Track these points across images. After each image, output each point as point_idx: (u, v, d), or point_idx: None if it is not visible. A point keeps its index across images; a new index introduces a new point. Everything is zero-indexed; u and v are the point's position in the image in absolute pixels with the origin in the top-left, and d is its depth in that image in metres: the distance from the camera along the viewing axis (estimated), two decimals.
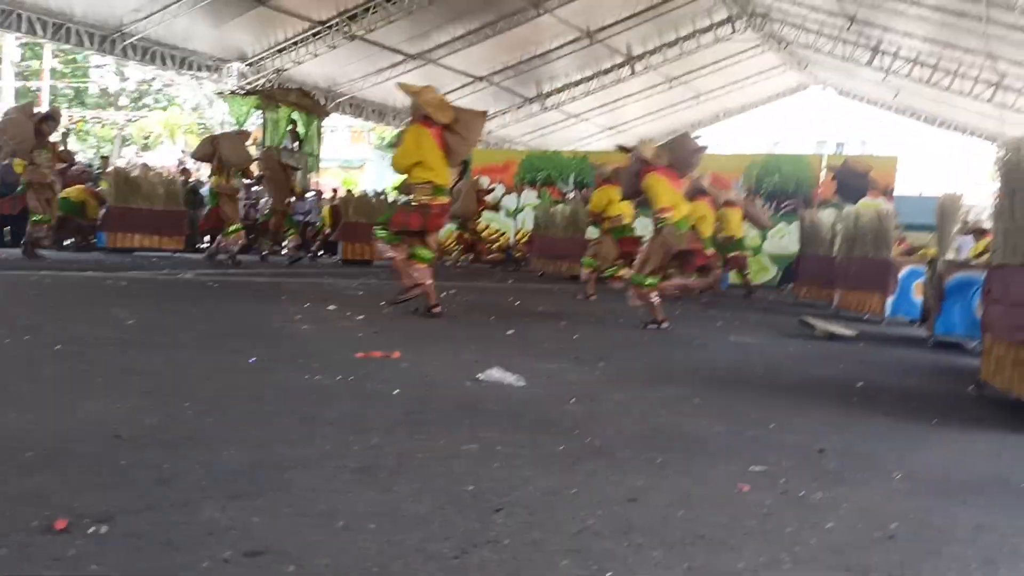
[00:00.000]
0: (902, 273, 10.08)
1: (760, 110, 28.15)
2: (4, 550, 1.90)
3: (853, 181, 16.12)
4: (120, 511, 2.19)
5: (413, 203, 7.07)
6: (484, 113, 7.71)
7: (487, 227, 18.48)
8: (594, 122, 25.28)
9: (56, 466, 2.53)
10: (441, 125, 7.00)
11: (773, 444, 3.49)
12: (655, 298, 7.69)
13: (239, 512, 2.25)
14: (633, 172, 8.00)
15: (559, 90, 22.90)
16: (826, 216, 13.24)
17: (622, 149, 9.37)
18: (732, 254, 12.95)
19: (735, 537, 2.35)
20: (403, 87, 7.53)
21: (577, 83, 22.60)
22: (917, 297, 9.88)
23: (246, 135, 13.56)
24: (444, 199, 7.18)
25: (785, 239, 16.06)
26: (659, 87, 23.26)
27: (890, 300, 10.08)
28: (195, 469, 2.58)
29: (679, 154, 8.15)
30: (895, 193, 16.11)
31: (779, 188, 16.46)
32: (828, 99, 27.93)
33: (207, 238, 14.64)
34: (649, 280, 7.63)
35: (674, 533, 2.34)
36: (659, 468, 3.00)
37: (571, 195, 18.03)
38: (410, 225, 7.11)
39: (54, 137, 11.48)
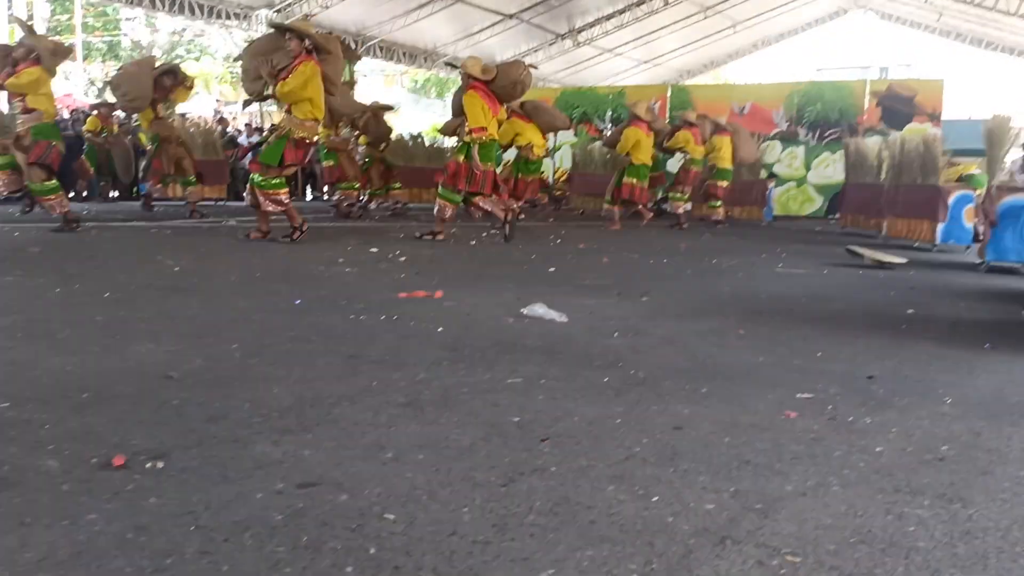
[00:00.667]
0: (952, 199, 9.84)
1: (799, 37, 27.28)
2: (67, 486, 1.96)
3: (898, 106, 15.66)
4: (174, 447, 2.24)
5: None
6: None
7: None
8: (629, 56, 24.75)
9: (110, 406, 2.59)
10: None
11: (820, 372, 3.46)
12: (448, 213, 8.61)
13: (290, 446, 2.29)
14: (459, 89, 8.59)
15: (591, 25, 22.40)
16: (872, 143, 12.92)
17: (451, 66, 9.47)
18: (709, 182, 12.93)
19: (782, 462, 2.34)
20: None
21: (609, 16, 22.07)
22: (968, 223, 9.66)
23: (352, 84, 13.22)
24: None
25: (830, 168, 15.72)
26: (694, 17, 22.61)
27: (941, 226, 9.87)
28: (244, 407, 2.63)
29: (502, 81, 8.43)
30: (943, 117, 15.63)
31: (822, 117, 16.04)
32: (870, 23, 26.99)
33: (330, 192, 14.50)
34: (452, 196, 8.56)
35: (720, 459, 2.34)
36: (703, 398, 2.99)
37: (608, 131, 17.76)
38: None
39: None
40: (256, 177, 7.66)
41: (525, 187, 11.26)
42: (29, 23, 10.82)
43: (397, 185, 13.23)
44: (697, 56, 26.28)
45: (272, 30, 8.59)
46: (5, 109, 9.67)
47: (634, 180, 11.81)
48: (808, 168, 15.98)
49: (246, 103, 9.50)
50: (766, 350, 3.87)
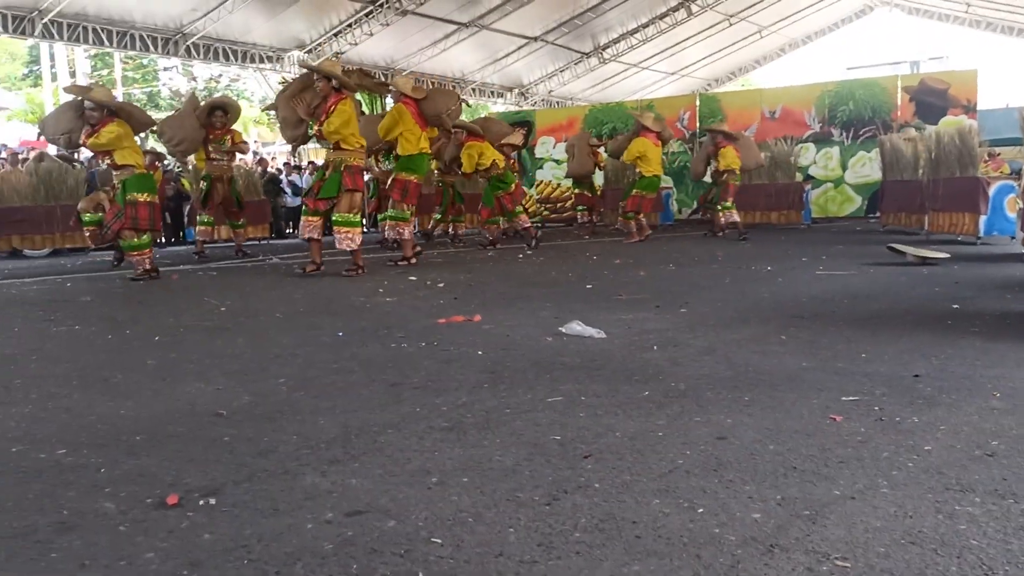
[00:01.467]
0: (992, 190, 9.66)
1: (827, 38, 27.07)
2: (123, 527, 2.02)
3: (932, 100, 15.42)
4: (226, 483, 2.30)
5: None
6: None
7: (558, 186, 18.38)
8: (655, 69, 24.79)
9: (163, 446, 2.66)
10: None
11: (865, 374, 3.42)
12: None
13: (337, 476, 2.34)
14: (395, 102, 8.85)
15: (616, 41, 22.50)
16: (907, 139, 12.74)
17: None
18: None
19: (829, 466, 2.33)
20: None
21: (634, 31, 22.16)
22: (1011, 213, 9.47)
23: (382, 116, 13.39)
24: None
25: (866, 167, 15.51)
26: (719, 25, 22.60)
27: (983, 219, 9.69)
28: (292, 440, 2.69)
29: (429, 109, 8.84)
30: (978, 108, 15.36)
31: (855, 115, 15.85)
32: (897, 19, 26.69)
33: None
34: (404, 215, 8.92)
35: (765, 467, 2.33)
36: (746, 406, 2.98)
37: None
38: None
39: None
40: (336, 217, 7.92)
41: (511, 201, 11.33)
42: (80, 85, 11.13)
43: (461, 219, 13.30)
44: (724, 64, 26.24)
45: (302, 71, 8.82)
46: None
47: (642, 192, 11.73)
48: (844, 168, 15.79)
49: (294, 149, 9.82)
50: (809, 355, 3.84)
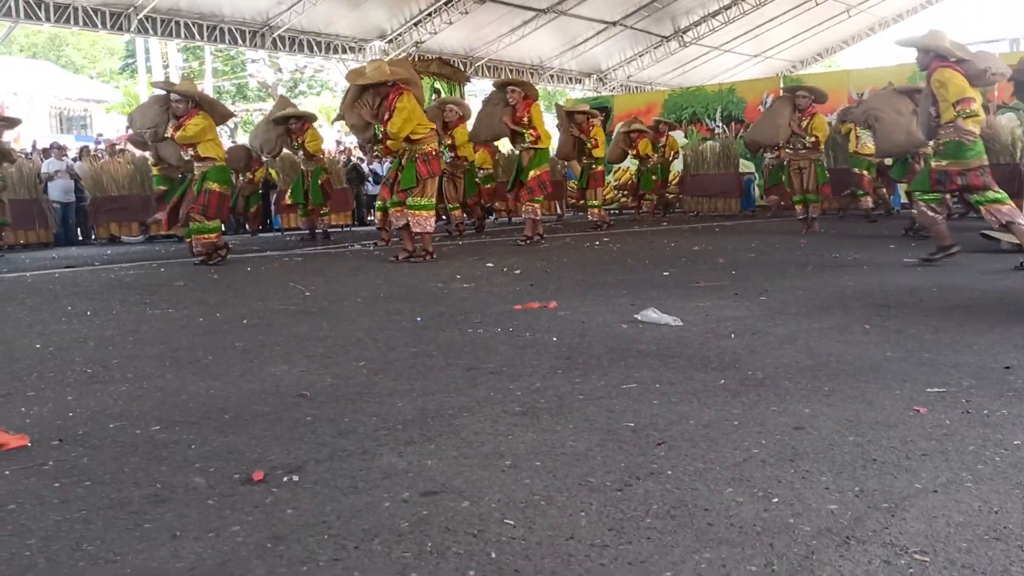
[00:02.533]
0: None
1: (918, 17, 25.98)
2: (212, 500, 2.12)
3: None
4: (308, 461, 2.38)
5: None
6: None
7: (630, 172, 18.20)
8: (738, 52, 24.27)
9: (249, 425, 2.77)
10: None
11: (952, 365, 3.32)
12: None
13: (414, 456, 2.40)
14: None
15: (697, 24, 22.11)
16: (1005, 121, 12.18)
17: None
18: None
19: (911, 459, 2.28)
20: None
21: (715, 13, 21.73)
22: None
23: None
24: None
25: None
26: (805, 5, 21.96)
27: None
28: (371, 421, 2.76)
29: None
30: None
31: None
32: None
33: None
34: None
35: (843, 458, 2.30)
36: (825, 396, 2.93)
37: (719, 130, 17.44)
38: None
39: None
40: (409, 201, 8.05)
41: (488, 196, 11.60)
42: (167, 82, 11.78)
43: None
44: (810, 45, 25.49)
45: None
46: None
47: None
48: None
49: (371, 151, 10.07)
50: (893, 344, 3.74)
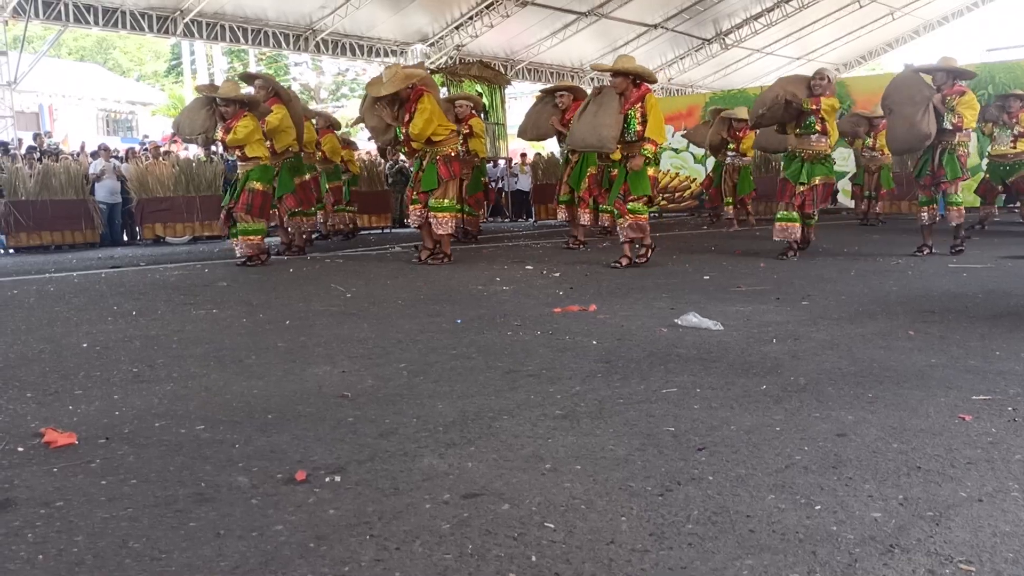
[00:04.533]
0: None
1: (964, 19, 25.50)
2: (255, 500, 2.15)
3: None
4: (350, 462, 2.41)
5: None
6: None
7: (676, 175, 18.12)
8: (780, 54, 24.04)
9: (292, 425, 2.81)
10: None
11: (998, 373, 3.26)
12: None
13: (454, 459, 2.41)
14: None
15: (739, 26, 21.95)
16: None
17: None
18: None
19: (956, 467, 2.24)
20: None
21: (758, 16, 21.55)
22: None
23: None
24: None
25: None
26: (849, 7, 21.69)
27: None
28: (412, 422, 2.79)
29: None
30: None
31: (994, 101, 14.93)
32: None
33: None
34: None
35: (887, 466, 2.27)
36: (869, 403, 2.89)
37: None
38: None
39: None
40: (431, 202, 8.10)
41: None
42: (211, 86, 11.85)
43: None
44: (853, 48, 25.18)
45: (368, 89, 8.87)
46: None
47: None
48: (982, 156, 14.91)
49: (391, 153, 9.97)
50: (938, 351, 3.68)
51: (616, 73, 7.38)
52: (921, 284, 5.99)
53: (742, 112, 12.11)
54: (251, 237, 8.58)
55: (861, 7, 21.68)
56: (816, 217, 8.17)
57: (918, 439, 2.48)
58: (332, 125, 11.91)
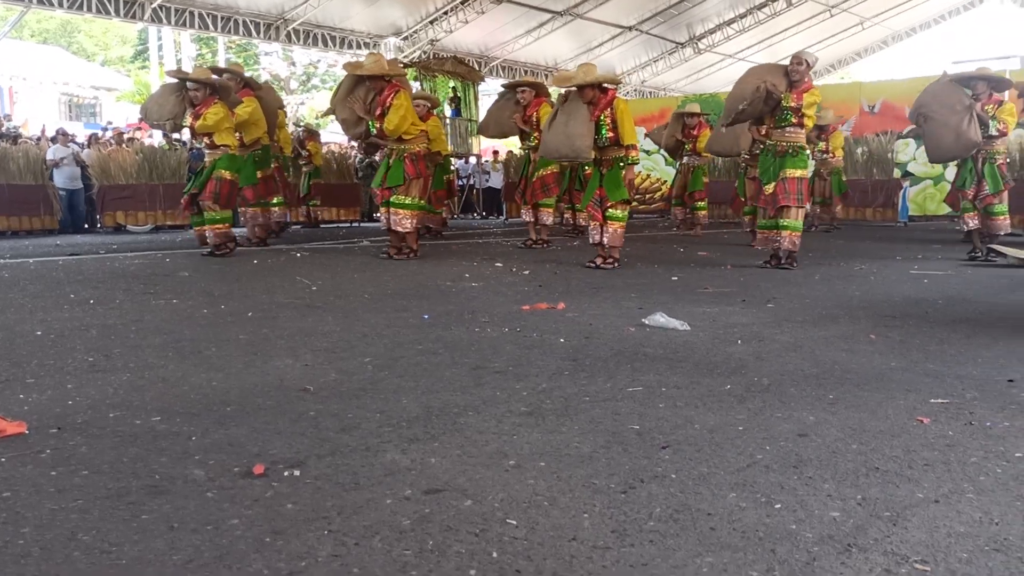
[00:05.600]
0: None
1: (932, 31, 25.94)
2: (211, 493, 2.11)
3: None
4: (310, 456, 2.38)
5: None
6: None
7: (647, 176, 18.19)
8: (752, 60, 24.14)
9: (251, 418, 2.77)
10: None
11: (956, 377, 3.31)
12: None
13: (417, 454, 2.39)
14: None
15: (712, 31, 22.12)
16: (1015, 138, 12.15)
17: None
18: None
19: (913, 469, 2.27)
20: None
21: (730, 22, 21.73)
22: None
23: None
24: None
25: None
26: (820, 16, 21.97)
27: None
28: (375, 417, 2.76)
29: None
30: None
31: None
32: (1008, 12, 25.41)
33: None
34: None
35: (847, 466, 2.29)
36: (830, 404, 2.92)
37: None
38: None
39: None
40: (392, 199, 8.11)
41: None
42: (180, 70, 11.60)
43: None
44: (823, 56, 25.34)
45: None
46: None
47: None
48: (945, 167, 15.17)
49: (364, 147, 9.88)
50: (898, 355, 3.73)
51: (580, 87, 7.32)
52: (883, 289, 6.07)
53: (694, 107, 12.13)
54: (218, 226, 8.48)
55: (832, 16, 21.96)
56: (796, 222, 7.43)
57: (877, 440, 2.50)
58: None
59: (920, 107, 7.72)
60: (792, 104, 7.23)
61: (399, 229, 8.12)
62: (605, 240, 7.38)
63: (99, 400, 2.98)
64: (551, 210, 9.96)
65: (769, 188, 7.41)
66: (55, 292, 5.79)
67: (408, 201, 8.09)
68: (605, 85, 7.36)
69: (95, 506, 2.02)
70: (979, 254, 8.11)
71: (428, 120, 10.76)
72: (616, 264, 7.43)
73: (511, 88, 10.09)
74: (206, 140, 8.43)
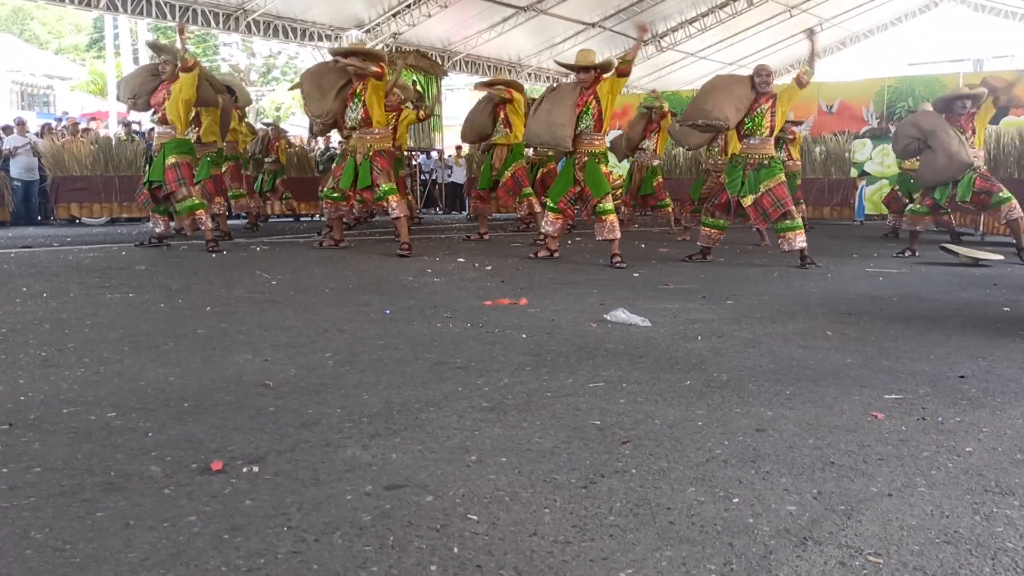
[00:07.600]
0: None
1: (888, 33, 26.40)
2: (168, 490, 2.09)
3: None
4: (269, 452, 2.36)
5: None
6: None
7: (609, 173, 18.23)
8: (714, 59, 24.45)
9: (209, 414, 2.73)
10: None
11: (910, 373, 3.38)
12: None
13: (378, 450, 2.38)
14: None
15: (674, 29, 22.26)
16: (1016, 131, 12.34)
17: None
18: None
19: (868, 463, 2.31)
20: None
21: (692, 20, 21.90)
22: None
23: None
24: None
25: None
26: (779, 17, 22.22)
27: None
28: (335, 413, 2.74)
29: None
30: None
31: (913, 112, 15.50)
32: (962, 16, 25.94)
33: None
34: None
35: (803, 461, 2.33)
36: (787, 400, 2.96)
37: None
38: None
39: None
40: (325, 191, 8.30)
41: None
42: (157, 42, 11.41)
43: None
44: (784, 56, 25.74)
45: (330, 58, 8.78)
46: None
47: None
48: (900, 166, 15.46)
49: (320, 128, 9.66)
50: (854, 351, 3.79)
51: (580, 69, 7.47)
52: (840, 287, 6.17)
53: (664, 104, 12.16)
54: (198, 211, 8.37)
55: (792, 16, 22.20)
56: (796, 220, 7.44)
57: (833, 435, 2.55)
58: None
59: (918, 132, 8.08)
60: (766, 108, 7.46)
61: (397, 213, 8.13)
62: (605, 237, 7.47)
63: (52, 395, 2.93)
64: (535, 199, 10.09)
65: (747, 200, 7.36)
66: (6, 285, 5.66)
67: (387, 187, 8.08)
68: (601, 70, 7.53)
69: (48, 503, 1.99)
70: (907, 255, 8.30)
71: (401, 113, 10.72)
72: (622, 262, 7.27)
73: (487, 86, 10.24)
74: (159, 115, 8.29)
